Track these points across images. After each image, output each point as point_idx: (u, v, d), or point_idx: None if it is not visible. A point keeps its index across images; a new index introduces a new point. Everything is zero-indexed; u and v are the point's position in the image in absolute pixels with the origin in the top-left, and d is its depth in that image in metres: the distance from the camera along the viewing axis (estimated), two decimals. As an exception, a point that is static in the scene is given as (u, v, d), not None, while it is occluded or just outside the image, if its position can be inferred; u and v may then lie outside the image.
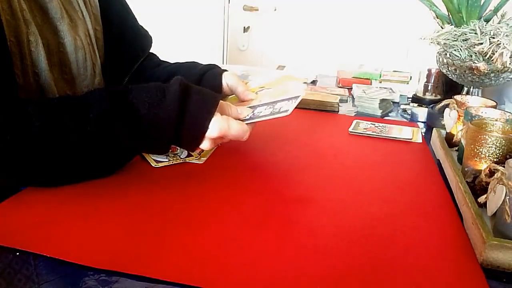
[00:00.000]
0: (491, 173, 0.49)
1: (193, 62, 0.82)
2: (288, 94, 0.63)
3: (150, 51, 0.89)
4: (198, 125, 0.54)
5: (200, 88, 0.57)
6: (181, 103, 0.53)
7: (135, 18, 0.86)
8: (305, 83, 1.29)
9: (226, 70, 0.76)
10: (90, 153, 0.53)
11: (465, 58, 0.90)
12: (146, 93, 0.53)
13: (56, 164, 0.52)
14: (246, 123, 0.60)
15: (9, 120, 0.49)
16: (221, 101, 0.58)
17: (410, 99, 1.15)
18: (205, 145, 0.57)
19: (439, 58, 0.98)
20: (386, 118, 1.01)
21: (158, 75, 0.80)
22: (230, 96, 0.76)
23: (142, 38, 0.86)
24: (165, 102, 0.53)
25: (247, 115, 0.62)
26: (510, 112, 0.68)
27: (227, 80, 0.74)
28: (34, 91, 0.59)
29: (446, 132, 0.79)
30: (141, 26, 0.87)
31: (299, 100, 0.60)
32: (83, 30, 0.69)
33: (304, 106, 1.02)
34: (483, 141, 0.57)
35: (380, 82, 1.29)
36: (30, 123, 0.49)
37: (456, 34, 0.91)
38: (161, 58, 0.89)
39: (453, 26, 0.92)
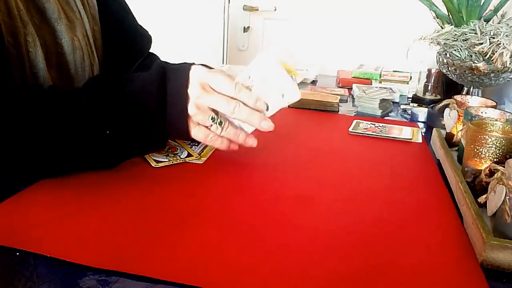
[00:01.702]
0: (491, 173, 0.49)
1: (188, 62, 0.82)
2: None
3: (150, 51, 0.89)
4: (180, 79, 0.58)
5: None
6: (160, 71, 0.58)
7: (134, 18, 0.86)
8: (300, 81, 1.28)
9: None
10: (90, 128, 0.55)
11: (465, 58, 0.90)
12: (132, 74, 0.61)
13: (61, 149, 0.54)
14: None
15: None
16: None
17: (410, 99, 1.15)
18: (192, 109, 0.58)
19: (439, 58, 0.98)
20: (386, 118, 1.01)
21: None
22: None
23: (141, 38, 0.86)
24: (147, 73, 0.59)
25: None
26: (510, 112, 0.68)
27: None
28: None
29: (446, 132, 0.79)
30: (140, 26, 0.87)
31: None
32: (81, 31, 0.68)
33: (304, 106, 1.01)
34: (483, 141, 0.57)
35: (380, 82, 1.29)
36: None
37: (456, 34, 0.91)
38: (161, 58, 0.89)
39: (453, 26, 0.92)
